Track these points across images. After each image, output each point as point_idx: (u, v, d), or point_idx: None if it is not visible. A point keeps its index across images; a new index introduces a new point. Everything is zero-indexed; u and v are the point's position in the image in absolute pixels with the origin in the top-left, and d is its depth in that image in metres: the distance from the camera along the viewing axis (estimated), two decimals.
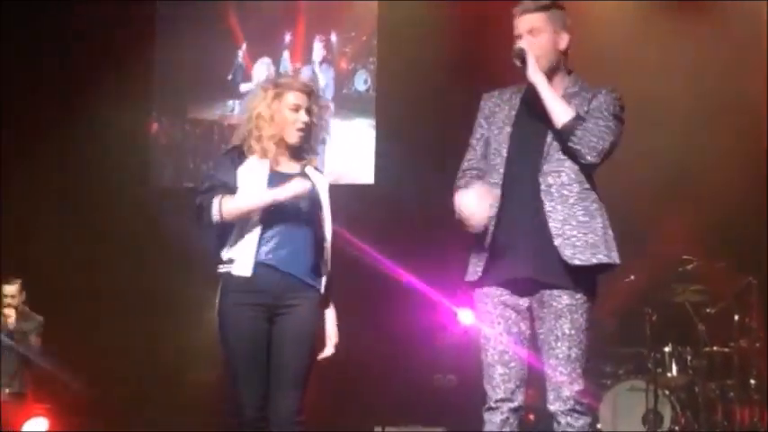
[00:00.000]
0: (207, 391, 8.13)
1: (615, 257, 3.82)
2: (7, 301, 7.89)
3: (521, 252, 3.82)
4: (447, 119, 8.67)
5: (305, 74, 9.37)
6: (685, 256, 7.38)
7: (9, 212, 8.89)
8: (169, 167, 10.01)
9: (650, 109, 8.00)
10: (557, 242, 3.75)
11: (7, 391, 7.74)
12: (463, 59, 8.43)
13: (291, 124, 4.47)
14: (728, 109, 7.97)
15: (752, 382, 7.32)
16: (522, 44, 3.85)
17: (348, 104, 9.62)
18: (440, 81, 8.64)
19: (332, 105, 4.34)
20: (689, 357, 7.51)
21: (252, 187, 4.40)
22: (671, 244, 7.62)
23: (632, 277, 7.49)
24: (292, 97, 4.50)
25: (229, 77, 9.81)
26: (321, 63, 9.78)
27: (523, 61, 3.84)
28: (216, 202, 4.34)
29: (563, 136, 3.79)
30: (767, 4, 8.10)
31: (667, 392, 7.43)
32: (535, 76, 3.82)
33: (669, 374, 7.49)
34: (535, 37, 3.87)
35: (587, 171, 3.85)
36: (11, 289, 7.90)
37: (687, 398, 7.52)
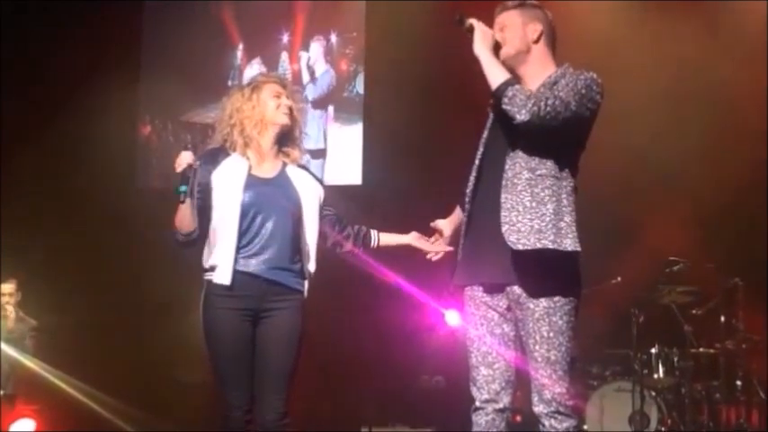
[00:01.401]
0: (195, 391, 8.12)
1: (568, 244, 3.73)
2: (5, 299, 7.93)
3: (489, 256, 3.83)
4: (435, 120, 8.69)
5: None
6: (672, 258, 7.40)
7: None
8: (159, 170, 9.89)
9: (641, 108, 8.04)
10: (503, 229, 3.73)
11: (1, 392, 7.76)
12: (451, 61, 8.42)
13: (276, 108, 4.51)
14: (723, 110, 8.00)
15: (738, 383, 7.34)
16: (472, 20, 3.90)
17: (349, 107, 9.45)
18: (428, 82, 8.64)
19: (306, 104, 4.37)
20: (675, 358, 7.52)
21: (228, 191, 4.41)
22: (658, 245, 7.63)
23: (619, 279, 7.52)
24: (271, 86, 4.56)
25: (229, 83, 9.59)
26: (317, 63, 9.56)
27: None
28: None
29: (497, 101, 3.78)
30: (767, 4, 8.14)
31: (654, 393, 7.45)
32: (479, 50, 3.84)
33: (656, 375, 7.50)
34: (504, 32, 3.92)
35: (547, 156, 3.79)
36: (8, 287, 7.95)
37: (673, 399, 7.54)
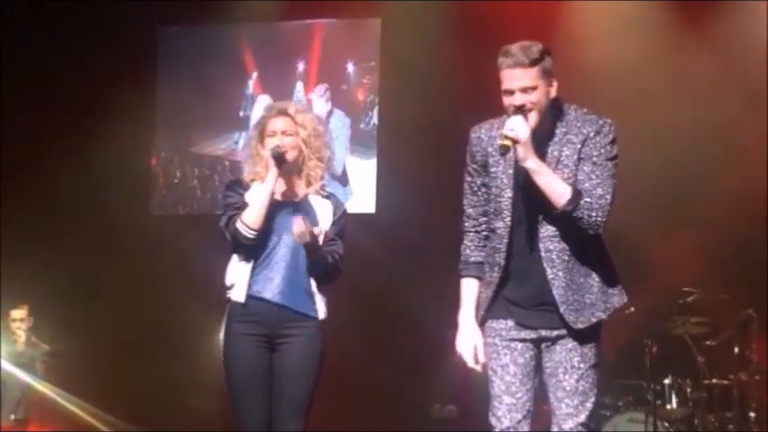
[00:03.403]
0: (209, 417, 8.11)
1: (615, 302, 3.90)
2: (16, 324, 8.00)
3: (524, 309, 3.88)
4: (448, 149, 8.69)
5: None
6: (686, 288, 7.39)
7: (12, 240, 8.89)
8: (163, 202, 9.81)
9: (652, 138, 8.04)
10: (561, 309, 3.79)
11: (12, 417, 7.81)
12: (465, 89, 8.45)
13: (266, 148, 4.58)
14: (733, 138, 8.01)
15: (751, 414, 7.32)
16: (508, 132, 3.68)
17: (367, 140, 9.23)
18: (442, 111, 8.65)
19: (316, 124, 4.39)
20: (689, 389, 7.49)
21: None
22: (671, 276, 7.62)
23: (632, 309, 7.48)
24: (270, 124, 4.62)
25: (241, 113, 9.46)
26: (332, 110, 9.29)
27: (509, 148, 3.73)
28: (238, 222, 4.44)
29: (563, 216, 3.75)
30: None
31: (667, 424, 7.41)
32: (528, 163, 3.72)
33: (669, 406, 7.47)
34: (530, 94, 3.75)
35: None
36: (19, 313, 8.02)
37: (687, 430, 7.50)
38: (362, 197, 9.16)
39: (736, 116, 8.03)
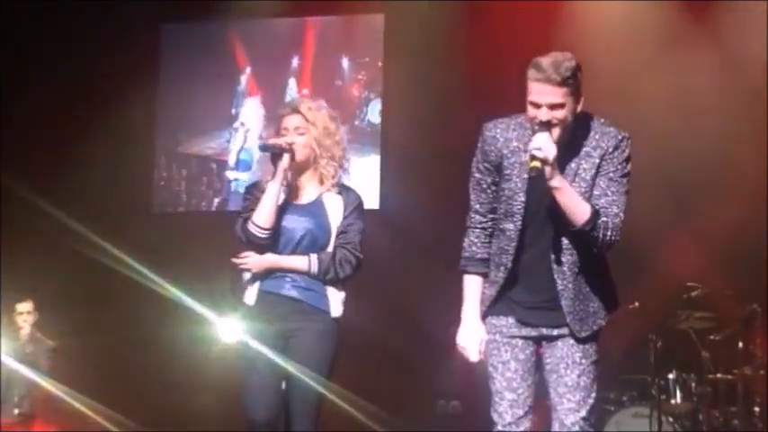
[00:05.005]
0: (215, 416, 8.12)
1: (610, 308, 3.92)
2: (22, 317, 8.07)
3: (526, 309, 3.89)
4: (453, 145, 8.68)
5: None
6: (690, 283, 7.39)
7: (17, 241, 8.89)
8: (170, 197, 9.79)
9: (655, 133, 8.04)
10: (568, 319, 3.82)
11: (16, 411, 7.87)
12: (470, 85, 8.46)
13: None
14: (734, 136, 8.00)
15: (756, 409, 7.32)
16: (536, 152, 3.63)
17: (362, 137, 9.10)
18: (446, 106, 8.66)
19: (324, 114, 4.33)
20: (693, 384, 7.50)
21: None
22: (676, 271, 7.62)
23: (636, 304, 7.49)
24: (283, 122, 4.63)
25: (233, 111, 9.44)
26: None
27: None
28: (249, 224, 4.48)
29: (578, 233, 3.76)
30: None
31: (671, 419, 7.40)
32: (554, 182, 3.69)
33: (673, 401, 7.47)
34: (557, 111, 3.70)
35: None
36: (25, 306, 8.08)
37: (691, 425, 7.50)
38: (362, 194, 9.12)
39: (736, 116, 8.03)
